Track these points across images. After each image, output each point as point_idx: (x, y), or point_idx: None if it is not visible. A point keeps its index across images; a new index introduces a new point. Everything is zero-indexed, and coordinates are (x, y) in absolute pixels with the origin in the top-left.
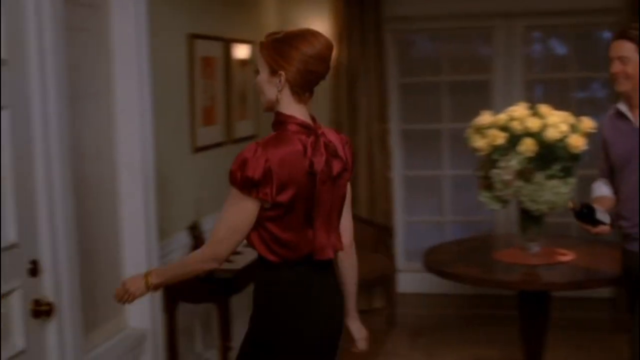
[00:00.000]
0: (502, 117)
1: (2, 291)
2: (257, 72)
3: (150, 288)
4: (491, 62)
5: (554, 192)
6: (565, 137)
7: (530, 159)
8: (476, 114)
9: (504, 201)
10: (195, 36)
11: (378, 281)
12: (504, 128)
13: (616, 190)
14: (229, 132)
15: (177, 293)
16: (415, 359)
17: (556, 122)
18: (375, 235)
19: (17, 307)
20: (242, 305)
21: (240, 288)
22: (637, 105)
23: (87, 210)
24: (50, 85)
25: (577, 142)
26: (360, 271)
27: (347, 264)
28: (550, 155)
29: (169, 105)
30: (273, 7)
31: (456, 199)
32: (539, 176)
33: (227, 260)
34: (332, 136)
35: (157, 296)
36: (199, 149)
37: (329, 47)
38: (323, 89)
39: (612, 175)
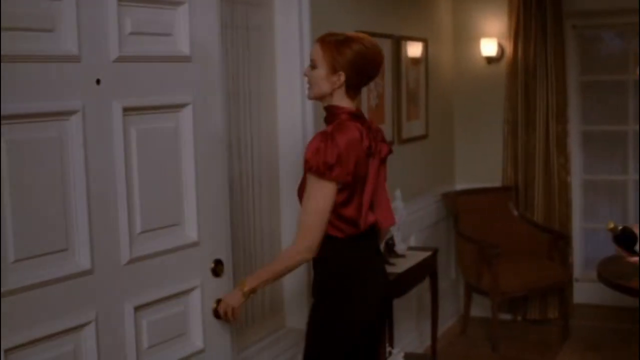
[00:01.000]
0: None
1: (183, 288)
2: (313, 66)
3: (246, 294)
4: None
5: None
6: None
7: None
8: None
9: None
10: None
11: (552, 290)
12: None
13: None
14: (398, 132)
15: None
16: None
17: None
18: (551, 242)
19: (197, 306)
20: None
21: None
22: None
23: (247, 208)
24: (222, 83)
25: None
26: (533, 279)
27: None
28: None
29: None
30: (447, 3)
31: None
32: None
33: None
34: (374, 125)
35: None
36: None
37: (381, 53)
38: (499, 85)
39: None
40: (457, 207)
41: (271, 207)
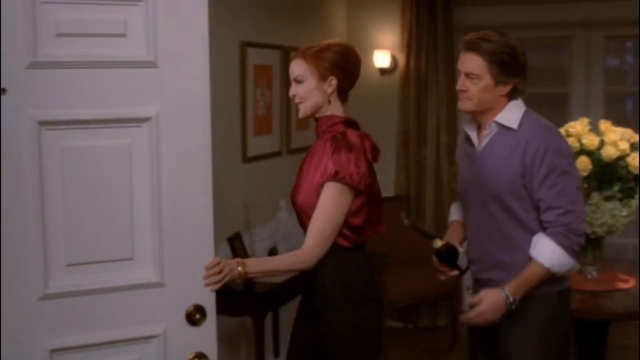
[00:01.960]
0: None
1: (123, 336)
2: (298, 82)
3: (243, 277)
4: (569, 73)
5: (611, 215)
6: (625, 155)
7: (585, 179)
8: None
9: None
10: (248, 44)
11: (442, 298)
12: None
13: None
14: (287, 142)
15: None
16: None
17: (615, 139)
18: None
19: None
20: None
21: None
22: None
23: None
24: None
25: (637, 162)
26: (422, 287)
27: None
28: (609, 175)
29: (222, 114)
30: (340, 14)
31: None
32: (596, 197)
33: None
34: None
35: None
36: (250, 159)
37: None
38: (391, 97)
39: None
40: None
41: None
